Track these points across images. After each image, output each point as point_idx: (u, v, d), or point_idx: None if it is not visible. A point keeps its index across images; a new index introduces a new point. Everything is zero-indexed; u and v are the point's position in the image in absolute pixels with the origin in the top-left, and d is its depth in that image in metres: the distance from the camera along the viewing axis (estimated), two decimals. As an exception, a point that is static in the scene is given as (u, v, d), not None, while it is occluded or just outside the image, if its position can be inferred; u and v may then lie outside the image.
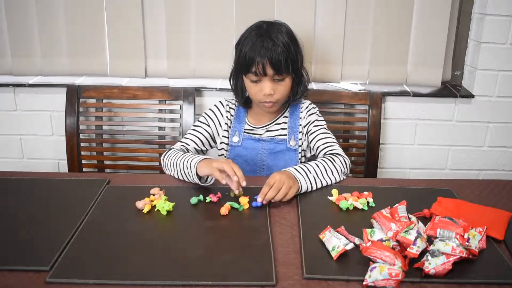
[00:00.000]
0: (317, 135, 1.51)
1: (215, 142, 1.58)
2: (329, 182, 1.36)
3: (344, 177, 1.42)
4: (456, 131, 2.02)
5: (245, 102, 1.54)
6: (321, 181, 1.35)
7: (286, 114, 1.56)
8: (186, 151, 1.48)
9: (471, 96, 1.95)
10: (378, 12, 1.91)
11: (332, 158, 1.40)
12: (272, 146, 1.54)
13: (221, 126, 1.56)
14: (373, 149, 1.94)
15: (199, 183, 1.32)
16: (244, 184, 1.23)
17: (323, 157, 1.43)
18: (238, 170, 1.24)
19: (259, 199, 1.22)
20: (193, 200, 1.24)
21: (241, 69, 1.44)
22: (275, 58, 1.37)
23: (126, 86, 1.95)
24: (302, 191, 1.30)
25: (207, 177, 1.33)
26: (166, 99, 1.94)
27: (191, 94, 1.93)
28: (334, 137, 1.53)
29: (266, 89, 1.41)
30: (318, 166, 1.36)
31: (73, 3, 1.91)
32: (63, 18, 1.93)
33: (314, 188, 1.33)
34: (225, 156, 1.57)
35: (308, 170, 1.34)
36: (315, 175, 1.34)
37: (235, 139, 1.54)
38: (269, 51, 1.37)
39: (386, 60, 1.97)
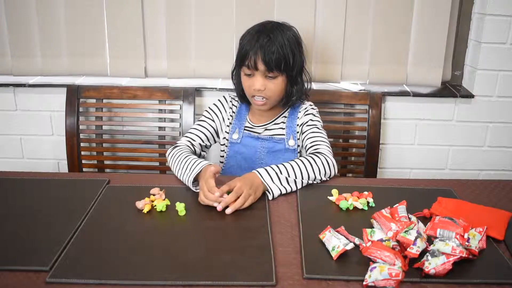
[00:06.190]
0: (308, 133, 1.49)
1: (218, 137, 1.59)
2: (306, 183, 1.32)
3: (327, 179, 1.38)
4: (456, 131, 2.02)
5: (242, 97, 1.55)
6: (295, 182, 1.30)
7: (286, 114, 1.56)
8: (191, 146, 1.49)
9: (471, 96, 1.95)
10: (378, 12, 1.90)
11: (312, 158, 1.36)
12: (271, 145, 1.54)
13: (224, 121, 1.58)
14: (373, 149, 1.94)
15: (194, 190, 1.30)
16: (219, 207, 1.19)
17: (304, 156, 1.39)
18: (210, 193, 1.20)
19: (218, 207, 1.19)
20: (180, 207, 1.20)
21: (238, 62, 1.47)
22: (267, 55, 1.38)
23: (126, 86, 1.95)
24: (275, 195, 1.28)
25: None
26: (166, 99, 1.94)
27: (191, 94, 1.93)
28: (325, 136, 1.48)
29: (257, 84, 1.42)
30: (292, 166, 1.32)
31: (73, 3, 1.91)
32: (63, 18, 1.93)
33: (289, 190, 1.30)
34: (225, 152, 1.57)
35: (280, 171, 1.29)
36: (287, 176, 1.29)
37: (235, 136, 1.55)
38: (263, 47, 1.39)
39: (386, 60, 1.97)
